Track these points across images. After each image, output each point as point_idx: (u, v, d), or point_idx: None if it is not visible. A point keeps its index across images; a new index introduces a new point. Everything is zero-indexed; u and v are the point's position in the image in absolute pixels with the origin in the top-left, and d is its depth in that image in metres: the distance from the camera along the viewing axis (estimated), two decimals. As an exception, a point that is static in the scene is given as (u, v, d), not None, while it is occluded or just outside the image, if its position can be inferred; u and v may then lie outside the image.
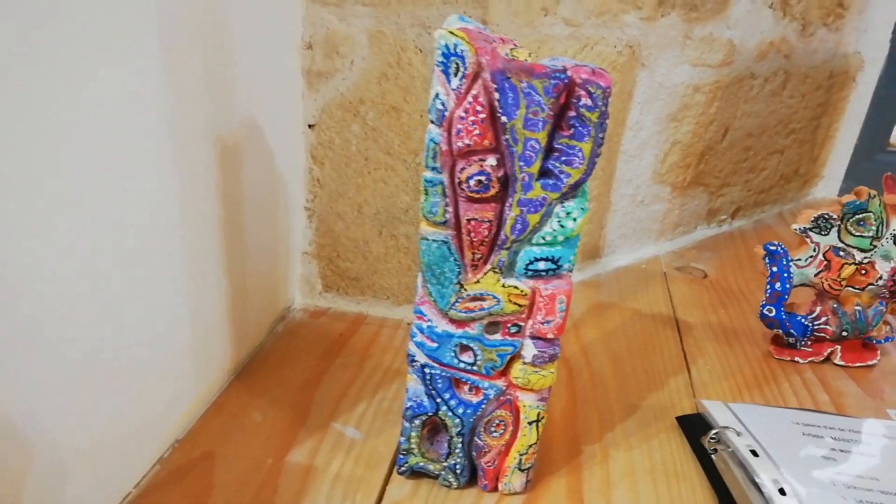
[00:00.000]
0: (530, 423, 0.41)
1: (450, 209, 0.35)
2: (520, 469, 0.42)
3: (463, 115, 0.33)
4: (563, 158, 0.34)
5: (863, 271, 0.58)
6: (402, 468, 0.44)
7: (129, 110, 0.36)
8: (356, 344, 0.59)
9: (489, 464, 0.42)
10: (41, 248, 0.32)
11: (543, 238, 0.36)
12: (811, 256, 0.58)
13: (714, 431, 0.48)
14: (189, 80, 0.41)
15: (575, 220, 0.36)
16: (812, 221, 0.57)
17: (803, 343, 0.60)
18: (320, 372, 0.55)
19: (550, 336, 0.38)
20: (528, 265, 0.37)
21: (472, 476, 0.43)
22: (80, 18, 0.32)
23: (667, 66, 0.68)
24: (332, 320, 0.63)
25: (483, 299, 0.37)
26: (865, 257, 0.58)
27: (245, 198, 0.51)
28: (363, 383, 0.54)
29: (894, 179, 0.57)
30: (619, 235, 0.76)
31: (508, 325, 0.38)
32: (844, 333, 0.60)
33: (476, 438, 0.42)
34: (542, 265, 0.37)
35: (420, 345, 0.40)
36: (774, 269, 0.58)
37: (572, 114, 0.33)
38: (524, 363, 0.39)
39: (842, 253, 0.58)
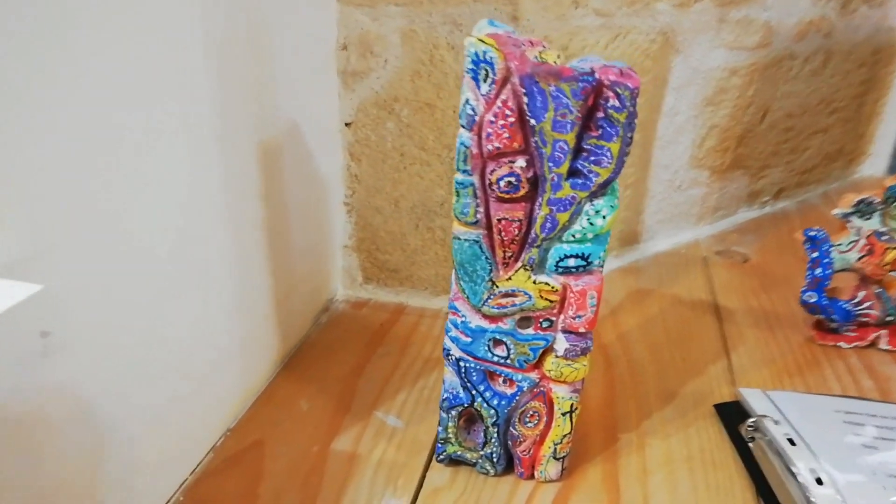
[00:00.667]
0: (564, 414, 0.42)
1: (481, 209, 0.36)
2: (555, 458, 0.44)
3: (493, 119, 0.34)
4: (592, 158, 0.35)
5: (907, 256, 0.56)
6: (441, 456, 0.45)
7: (189, 126, 0.40)
8: (397, 333, 0.61)
9: (525, 452, 0.44)
10: (114, 247, 0.35)
11: (573, 235, 0.37)
12: (853, 241, 0.57)
13: (752, 420, 0.48)
14: (236, 94, 0.44)
15: (604, 217, 0.36)
16: (853, 206, 0.56)
17: (847, 328, 0.60)
18: (363, 361, 0.57)
19: (582, 330, 0.39)
20: (558, 262, 0.38)
21: (508, 464, 0.45)
22: (151, 48, 0.36)
23: (702, 50, 0.67)
24: (374, 311, 0.65)
25: (515, 295, 0.38)
26: (910, 241, 0.56)
27: (287, 196, 0.53)
28: (404, 372, 0.56)
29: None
30: (657, 221, 0.76)
31: (540, 319, 0.39)
32: (889, 318, 0.59)
33: (511, 428, 0.43)
34: (572, 262, 0.37)
35: (455, 339, 0.41)
36: (815, 254, 0.57)
37: (600, 115, 0.34)
38: (557, 356, 0.40)
39: (885, 237, 0.57)
